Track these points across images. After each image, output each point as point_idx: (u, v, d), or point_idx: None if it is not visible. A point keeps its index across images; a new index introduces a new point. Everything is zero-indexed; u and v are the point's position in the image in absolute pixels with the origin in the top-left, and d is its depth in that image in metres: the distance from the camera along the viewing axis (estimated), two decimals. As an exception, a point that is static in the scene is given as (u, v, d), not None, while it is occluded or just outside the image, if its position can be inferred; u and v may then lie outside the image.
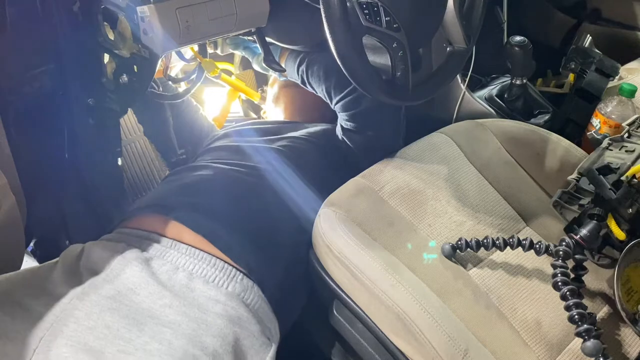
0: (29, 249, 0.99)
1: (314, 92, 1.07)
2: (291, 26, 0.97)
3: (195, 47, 1.08)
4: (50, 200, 0.95)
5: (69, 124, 0.90)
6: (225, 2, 0.80)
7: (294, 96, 1.26)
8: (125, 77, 0.85)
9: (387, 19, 0.75)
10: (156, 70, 0.86)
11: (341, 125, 1.06)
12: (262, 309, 0.76)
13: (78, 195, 0.98)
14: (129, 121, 1.39)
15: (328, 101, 1.05)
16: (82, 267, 0.73)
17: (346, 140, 1.06)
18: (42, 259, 1.01)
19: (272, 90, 1.30)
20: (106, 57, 0.87)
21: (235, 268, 0.76)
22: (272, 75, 1.21)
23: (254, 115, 1.65)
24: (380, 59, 0.80)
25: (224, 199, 0.88)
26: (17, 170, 0.80)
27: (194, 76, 1.15)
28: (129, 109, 1.07)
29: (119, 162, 1.00)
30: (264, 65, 1.04)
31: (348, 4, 0.72)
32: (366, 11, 0.74)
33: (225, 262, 0.76)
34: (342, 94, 1.00)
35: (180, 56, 1.08)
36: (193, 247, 0.76)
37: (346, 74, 0.77)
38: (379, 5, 0.74)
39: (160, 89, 1.16)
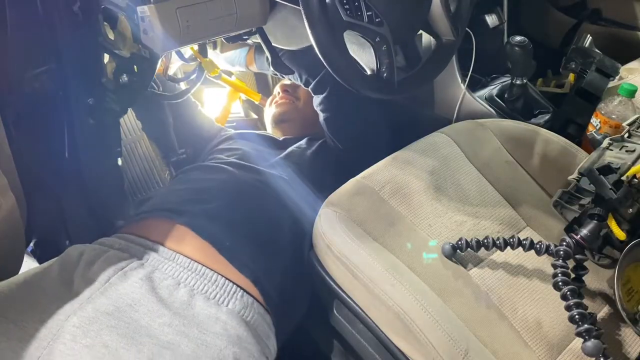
0: (29, 249, 0.99)
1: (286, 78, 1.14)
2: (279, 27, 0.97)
3: (195, 47, 1.08)
4: (50, 200, 0.95)
5: (69, 124, 0.90)
6: (225, 1, 0.80)
7: (287, 130, 1.28)
8: (125, 77, 0.85)
9: (369, 13, 0.74)
10: (156, 70, 0.86)
11: (323, 121, 1.12)
12: (261, 326, 0.76)
13: (78, 195, 0.98)
14: (129, 121, 1.39)
15: (301, 84, 1.12)
16: (79, 277, 0.72)
17: (332, 139, 1.12)
18: (42, 259, 1.00)
19: (269, 110, 1.31)
20: (106, 57, 0.87)
21: (237, 285, 0.76)
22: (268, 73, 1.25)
23: (254, 116, 1.65)
24: (366, 53, 0.79)
25: (231, 203, 0.89)
26: (17, 170, 0.80)
27: (194, 76, 1.15)
28: (130, 109, 1.08)
29: (119, 162, 1.00)
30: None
31: (327, 0, 0.71)
32: (347, 6, 0.73)
33: (227, 278, 0.76)
34: (310, 77, 1.07)
35: (180, 56, 1.08)
36: (195, 261, 0.76)
37: (329, 70, 0.76)
38: (359, 0, 0.74)
39: (161, 88, 1.16)
